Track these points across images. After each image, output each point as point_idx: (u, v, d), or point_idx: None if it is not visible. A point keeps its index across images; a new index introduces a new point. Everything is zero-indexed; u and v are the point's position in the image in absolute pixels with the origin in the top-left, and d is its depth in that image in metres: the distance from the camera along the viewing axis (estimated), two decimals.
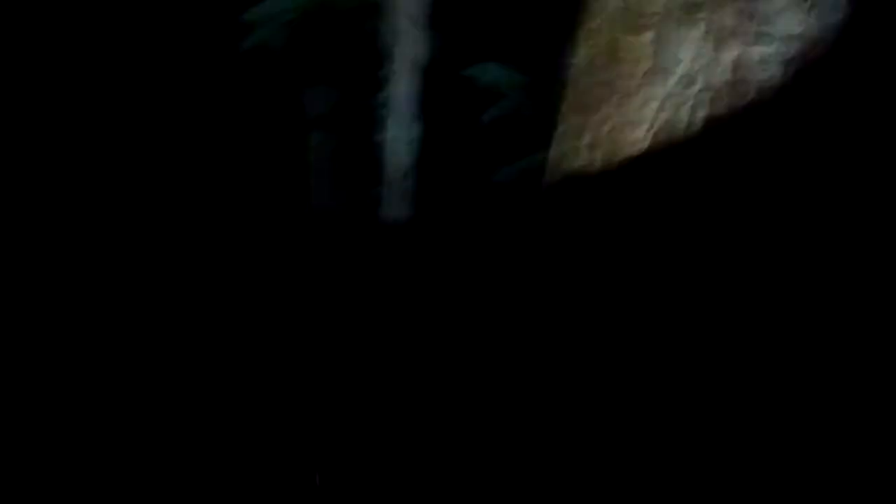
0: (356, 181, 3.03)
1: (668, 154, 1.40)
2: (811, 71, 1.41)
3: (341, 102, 2.84)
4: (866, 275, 1.34)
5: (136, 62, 2.96)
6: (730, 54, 1.36)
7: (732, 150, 1.40)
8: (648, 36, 1.41)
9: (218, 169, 3.02)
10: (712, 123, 1.40)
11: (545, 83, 2.66)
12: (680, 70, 1.39)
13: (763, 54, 1.36)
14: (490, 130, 2.78)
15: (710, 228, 1.38)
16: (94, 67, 2.91)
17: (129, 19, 2.92)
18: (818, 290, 1.33)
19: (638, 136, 1.42)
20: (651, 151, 1.41)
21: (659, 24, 1.38)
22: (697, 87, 1.40)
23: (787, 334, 1.32)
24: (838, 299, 1.33)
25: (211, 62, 2.98)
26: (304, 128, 2.86)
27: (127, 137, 2.96)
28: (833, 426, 1.26)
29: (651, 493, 1.24)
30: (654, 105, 1.40)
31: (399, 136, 2.34)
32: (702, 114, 1.40)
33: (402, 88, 2.32)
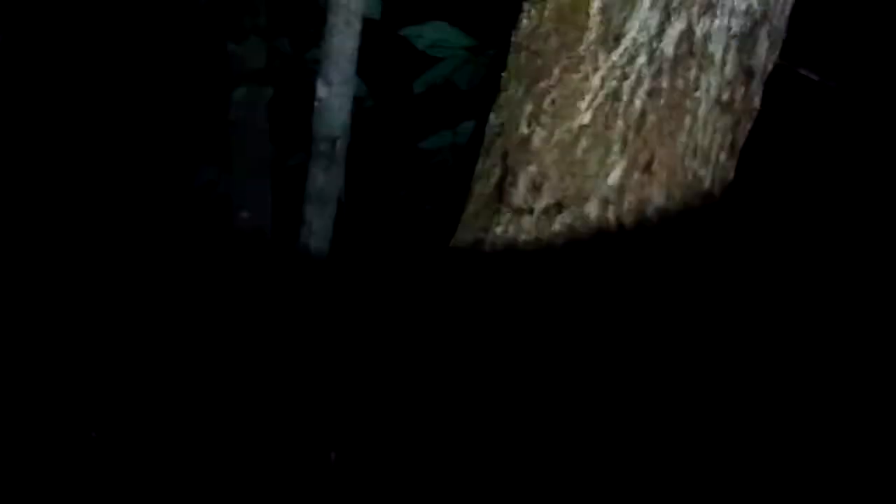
0: (283, 143, 2.94)
1: (606, 128, 1.38)
2: (752, 49, 1.40)
3: (271, 58, 2.72)
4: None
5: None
6: (676, 27, 1.34)
7: (669, 127, 1.39)
8: (596, 4, 1.38)
9: (128, 130, 2.88)
10: (652, 99, 1.38)
11: (488, 48, 2.60)
12: (626, 42, 1.37)
13: (708, 28, 1.35)
14: (424, 97, 2.71)
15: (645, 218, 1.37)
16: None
17: None
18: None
19: (580, 109, 1.39)
20: (591, 124, 1.38)
21: None
22: (641, 59, 1.37)
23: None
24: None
25: (129, 14, 2.81)
26: (228, 84, 2.73)
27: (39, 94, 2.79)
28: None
29: None
30: (598, 77, 1.37)
31: (332, 97, 2.25)
32: (643, 88, 1.38)
33: (338, 44, 2.22)
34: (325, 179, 2.33)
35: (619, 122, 1.37)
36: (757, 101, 1.44)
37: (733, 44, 1.38)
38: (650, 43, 1.36)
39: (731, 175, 1.42)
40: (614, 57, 1.37)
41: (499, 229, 1.41)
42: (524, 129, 1.42)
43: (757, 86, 1.43)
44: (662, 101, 1.38)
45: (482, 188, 1.49)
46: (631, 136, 1.37)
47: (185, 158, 2.88)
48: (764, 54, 1.42)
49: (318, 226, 2.35)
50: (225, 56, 2.74)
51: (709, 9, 1.34)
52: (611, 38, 1.37)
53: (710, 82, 1.38)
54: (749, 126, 1.44)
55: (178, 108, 2.98)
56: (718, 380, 1.34)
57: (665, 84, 1.38)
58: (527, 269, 1.39)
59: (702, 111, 1.39)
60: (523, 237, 1.39)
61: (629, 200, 1.35)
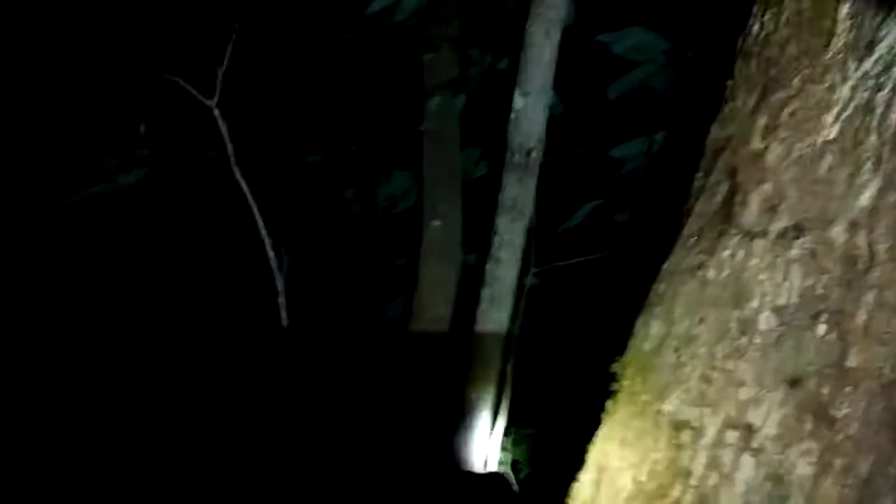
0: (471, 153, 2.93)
1: (856, 143, 1.25)
2: None
3: (464, 67, 2.71)
4: None
5: None
6: None
7: None
8: (845, 8, 1.25)
9: None
10: None
11: (685, 52, 2.47)
12: (880, 48, 1.23)
13: None
14: (618, 104, 2.62)
15: None
16: None
17: None
18: None
19: (825, 122, 1.26)
20: (838, 139, 1.26)
21: None
22: None
23: None
24: None
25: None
26: (423, 94, 2.76)
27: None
28: None
29: None
30: (847, 87, 1.25)
31: (528, 107, 2.21)
32: None
33: (536, 55, 2.18)
34: (519, 191, 2.29)
35: (872, 138, 1.23)
36: None
37: None
38: None
39: None
40: (867, 66, 1.24)
41: (725, 253, 1.32)
42: (757, 144, 1.32)
43: None
44: None
45: (704, 207, 1.40)
46: (886, 152, 1.23)
47: (379, 167, 2.94)
48: None
49: (510, 237, 2.32)
50: (420, 66, 2.78)
51: None
52: (862, 44, 1.24)
53: None
54: None
55: (370, 116, 3.05)
56: None
57: None
58: (756, 297, 1.28)
59: None
60: (754, 262, 1.28)
61: (884, 224, 1.21)
